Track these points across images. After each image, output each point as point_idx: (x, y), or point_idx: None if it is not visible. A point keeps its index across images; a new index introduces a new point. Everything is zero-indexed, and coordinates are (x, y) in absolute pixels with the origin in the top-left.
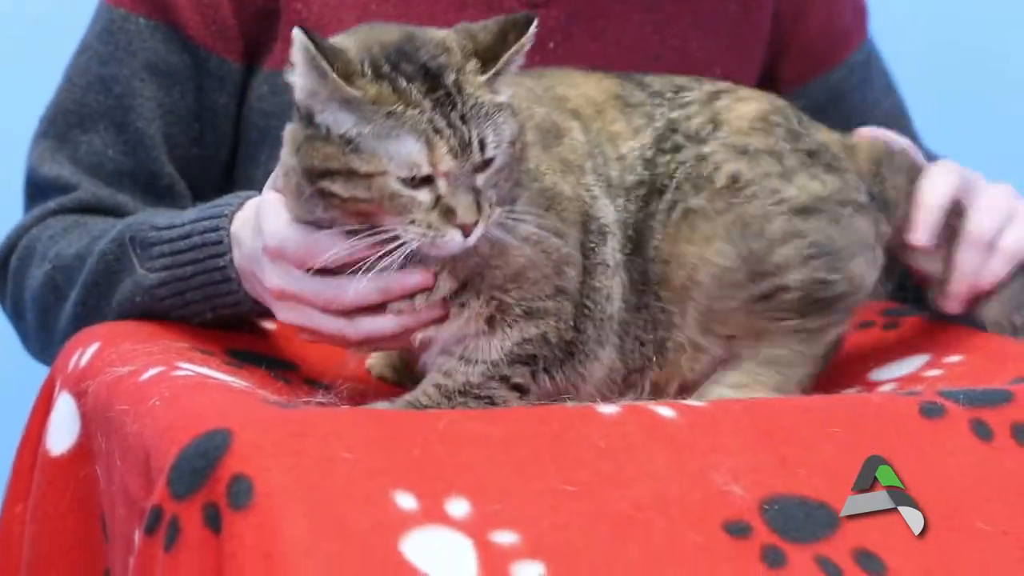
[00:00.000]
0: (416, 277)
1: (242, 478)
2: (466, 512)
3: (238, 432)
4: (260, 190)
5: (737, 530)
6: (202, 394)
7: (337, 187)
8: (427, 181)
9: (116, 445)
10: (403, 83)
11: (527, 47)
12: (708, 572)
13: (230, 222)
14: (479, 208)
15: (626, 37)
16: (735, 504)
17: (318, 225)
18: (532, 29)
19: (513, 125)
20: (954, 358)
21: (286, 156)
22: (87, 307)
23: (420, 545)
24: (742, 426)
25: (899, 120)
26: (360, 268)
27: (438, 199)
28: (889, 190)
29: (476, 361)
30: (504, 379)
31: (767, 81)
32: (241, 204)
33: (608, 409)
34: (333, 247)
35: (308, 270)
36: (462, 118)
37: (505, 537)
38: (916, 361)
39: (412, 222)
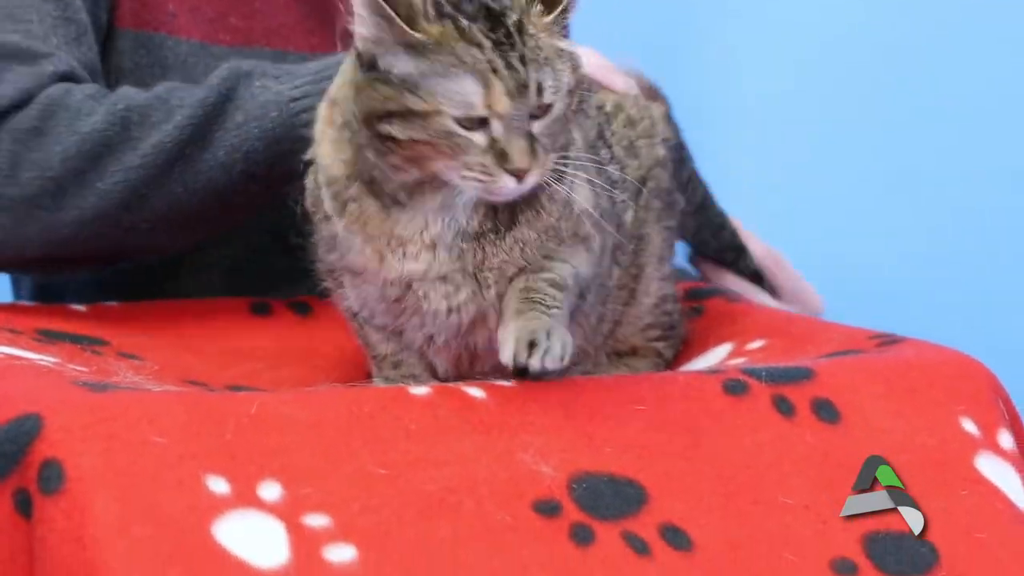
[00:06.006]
0: None
1: (53, 463)
2: (278, 496)
3: (48, 417)
4: None
5: (546, 509)
6: (10, 378)
7: (395, 129)
8: (483, 123)
9: None
10: (464, 22)
11: None
12: (518, 552)
13: None
14: (534, 154)
15: None
16: (544, 483)
17: (372, 181)
18: None
19: (571, 74)
20: (756, 343)
21: (348, 104)
22: (187, 143)
23: (232, 529)
24: (550, 405)
25: None
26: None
27: (493, 142)
28: None
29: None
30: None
31: None
32: None
33: (419, 391)
34: None
35: None
36: (521, 59)
37: (317, 520)
38: (720, 351)
39: (466, 166)
